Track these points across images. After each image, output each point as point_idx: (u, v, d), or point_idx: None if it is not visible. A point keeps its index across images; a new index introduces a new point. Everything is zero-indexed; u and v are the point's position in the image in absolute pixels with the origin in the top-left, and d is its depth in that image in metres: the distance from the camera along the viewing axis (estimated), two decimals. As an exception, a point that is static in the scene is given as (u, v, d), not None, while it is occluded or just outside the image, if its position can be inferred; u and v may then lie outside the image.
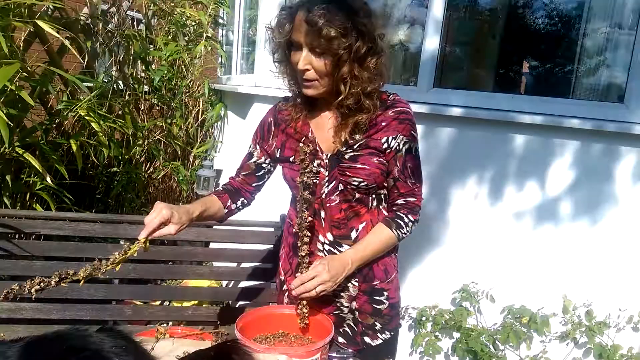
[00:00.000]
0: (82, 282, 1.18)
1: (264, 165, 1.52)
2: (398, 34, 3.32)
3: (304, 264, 1.35)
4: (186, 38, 3.92)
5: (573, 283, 2.49)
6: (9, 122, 2.14)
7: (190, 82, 4.04)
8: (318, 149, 1.41)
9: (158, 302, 2.43)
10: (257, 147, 1.52)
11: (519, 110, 2.51)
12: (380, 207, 1.44)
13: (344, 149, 1.37)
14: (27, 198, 2.60)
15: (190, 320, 2.04)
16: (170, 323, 2.18)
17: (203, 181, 3.71)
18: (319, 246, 1.44)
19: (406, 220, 1.41)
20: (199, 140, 4.18)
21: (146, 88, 3.77)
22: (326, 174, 1.39)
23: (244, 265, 2.20)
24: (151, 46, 3.85)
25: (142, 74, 3.77)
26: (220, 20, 4.30)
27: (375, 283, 1.46)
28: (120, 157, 3.32)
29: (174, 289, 2.38)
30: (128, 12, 3.73)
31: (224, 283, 2.88)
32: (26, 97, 2.22)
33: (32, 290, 1.14)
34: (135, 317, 2.03)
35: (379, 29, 1.31)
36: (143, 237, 1.21)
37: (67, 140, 2.70)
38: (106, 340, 0.83)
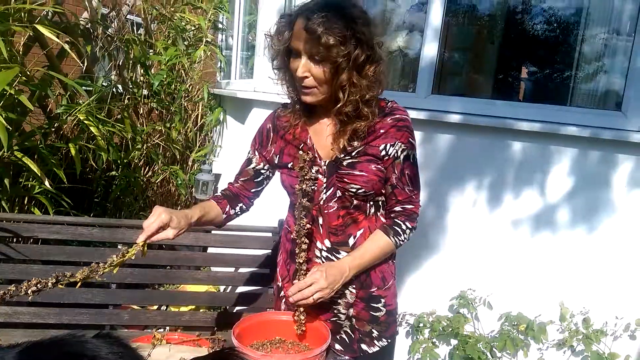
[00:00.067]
0: (78, 284, 1.18)
1: (262, 171, 1.53)
2: (397, 40, 3.33)
3: (302, 271, 1.35)
4: (186, 43, 3.93)
5: (570, 290, 2.49)
6: (8, 126, 2.14)
7: (189, 86, 4.05)
8: (316, 155, 1.41)
9: (155, 307, 2.43)
10: (256, 153, 1.53)
11: (517, 117, 2.52)
12: (378, 214, 1.45)
13: (342, 155, 1.37)
14: (26, 202, 2.60)
15: (187, 326, 2.04)
16: (167, 328, 2.19)
17: (202, 185, 3.71)
18: (317, 252, 1.44)
19: (404, 227, 1.41)
20: (197, 145, 4.19)
21: (145, 92, 3.78)
22: (324, 180, 1.40)
23: (242, 270, 2.20)
24: (151, 50, 3.86)
25: (142, 78, 3.77)
26: (220, 25, 4.31)
27: (372, 290, 1.46)
28: (119, 161, 3.32)
29: (171, 294, 2.38)
30: (128, 16, 3.74)
31: (222, 288, 2.88)
32: (25, 101, 2.23)
33: (29, 292, 1.14)
34: (133, 321, 2.03)
35: (378, 37, 1.32)
36: (141, 240, 1.21)
37: (66, 144, 2.70)
38: (103, 346, 0.83)
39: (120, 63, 3.52)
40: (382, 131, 1.37)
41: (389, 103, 1.41)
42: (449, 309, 2.69)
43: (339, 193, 1.39)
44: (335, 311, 1.47)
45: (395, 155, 1.37)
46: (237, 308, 2.18)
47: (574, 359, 2.50)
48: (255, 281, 2.10)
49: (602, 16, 3.25)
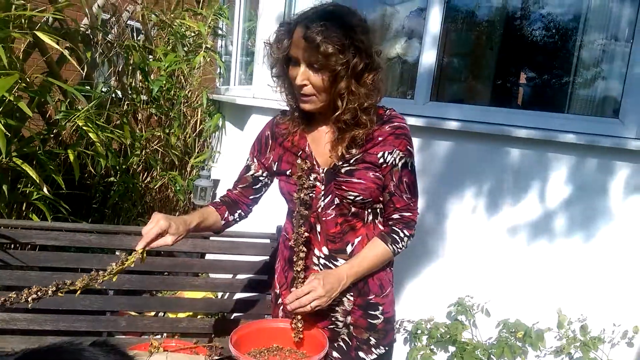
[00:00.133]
0: (78, 292, 1.18)
1: (261, 178, 1.53)
2: (395, 48, 3.35)
3: (299, 279, 1.35)
4: (185, 49, 3.94)
5: (568, 298, 2.49)
6: (7, 133, 2.14)
7: (188, 92, 4.06)
8: (315, 162, 1.42)
9: (153, 313, 2.42)
10: (255, 160, 1.53)
11: (515, 125, 2.53)
12: (376, 221, 1.45)
13: (341, 163, 1.38)
14: (24, 208, 2.60)
15: (184, 332, 2.04)
16: (165, 334, 2.18)
17: (200, 191, 3.70)
18: (315, 260, 1.44)
19: (402, 235, 1.41)
20: (196, 150, 4.19)
21: (144, 98, 3.78)
22: (322, 188, 1.40)
23: (240, 276, 2.20)
24: (150, 56, 3.87)
25: (141, 84, 3.78)
26: (220, 32, 4.32)
27: (370, 297, 1.46)
28: (117, 167, 3.32)
29: (168, 300, 2.38)
30: (128, 22, 3.75)
31: (219, 294, 2.87)
32: (24, 107, 2.23)
33: (29, 299, 1.14)
34: (130, 328, 2.02)
35: (376, 45, 1.33)
36: (140, 247, 1.22)
37: (65, 150, 2.71)
38: (100, 354, 0.83)
39: (120, 69, 3.53)
40: (380, 139, 1.37)
41: (388, 111, 1.42)
42: (447, 316, 2.69)
43: (337, 200, 1.39)
44: (332, 319, 1.47)
45: (394, 162, 1.38)
46: (235, 315, 2.17)
47: (572, 366, 2.50)
48: (253, 288, 2.10)
49: (600, 23, 3.26)
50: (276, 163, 1.48)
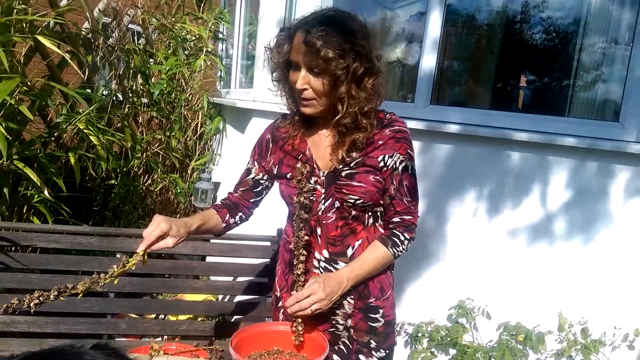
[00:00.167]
0: (80, 295, 1.18)
1: (261, 181, 1.54)
2: (395, 51, 3.36)
3: (300, 282, 1.36)
4: (186, 52, 3.95)
5: (569, 300, 2.49)
6: (8, 136, 2.15)
7: (189, 95, 4.07)
8: (315, 166, 1.42)
9: (153, 316, 2.43)
10: (255, 163, 1.54)
11: (515, 128, 2.54)
12: (377, 224, 1.45)
13: (341, 166, 1.38)
14: (25, 210, 2.61)
15: (185, 335, 2.04)
16: (165, 337, 2.18)
17: (201, 194, 3.71)
18: (315, 263, 1.44)
19: (402, 238, 1.41)
20: (197, 153, 4.20)
21: (145, 101, 3.79)
22: (323, 191, 1.41)
23: (240, 279, 2.20)
24: (151, 60, 3.88)
25: (142, 87, 3.79)
26: (220, 35, 4.33)
27: (370, 300, 1.46)
28: (118, 170, 3.33)
29: (169, 303, 2.38)
30: (129, 26, 3.77)
31: (220, 297, 2.87)
32: (25, 111, 2.24)
33: (32, 304, 1.15)
34: (130, 331, 2.03)
35: (376, 50, 1.33)
36: (141, 250, 1.22)
37: (66, 153, 2.71)
38: (101, 357, 0.83)
39: (121, 72, 3.54)
40: (380, 142, 1.38)
41: (388, 115, 1.42)
42: (448, 319, 2.69)
43: (337, 204, 1.39)
44: (333, 322, 1.47)
45: (394, 166, 1.38)
46: (235, 317, 2.18)
47: (572, 369, 2.50)
48: (254, 290, 2.10)
49: (600, 26, 3.26)
50: (277, 166, 1.49)
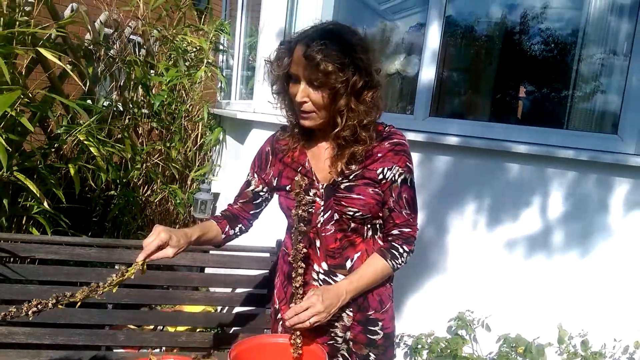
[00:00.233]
0: (78, 303, 1.18)
1: (261, 193, 1.54)
2: (395, 63, 3.38)
3: (298, 295, 1.35)
4: (187, 63, 3.97)
5: (569, 312, 2.48)
6: (8, 147, 2.15)
7: (189, 106, 4.08)
8: (314, 178, 1.42)
9: (152, 327, 2.42)
10: (255, 175, 1.54)
11: (514, 140, 2.55)
12: (376, 236, 1.45)
13: (340, 179, 1.39)
14: (24, 221, 2.60)
15: (183, 346, 2.03)
16: (164, 349, 2.17)
17: (200, 204, 3.71)
18: (314, 275, 1.44)
19: (401, 250, 1.42)
20: (197, 164, 4.20)
21: (146, 112, 3.81)
22: (322, 203, 1.41)
23: (239, 290, 2.19)
24: (152, 71, 3.90)
25: (142, 98, 3.81)
26: (221, 47, 4.36)
27: (369, 313, 1.46)
28: (118, 181, 3.33)
29: (167, 314, 2.37)
30: (131, 37, 3.79)
31: (219, 308, 2.86)
32: (26, 122, 2.25)
33: (30, 312, 1.14)
34: (129, 342, 2.01)
35: (376, 63, 1.34)
36: (141, 259, 1.22)
37: (66, 164, 2.72)
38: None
39: (122, 83, 3.56)
40: (379, 155, 1.38)
41: (387, 127, 1.43)
42: (448, 330, 2.68)
43: (336, 216, 1.40)
44: (332, 334, 1.46)
45: (393, 179, 1.38)
46: (234, 329, 2.17)
47: (573, 382, 2.48)
48: (253, 302, 2.09)
49: (598, 37, 3.28)
50: (276, 178, 1.49)
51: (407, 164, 1.40)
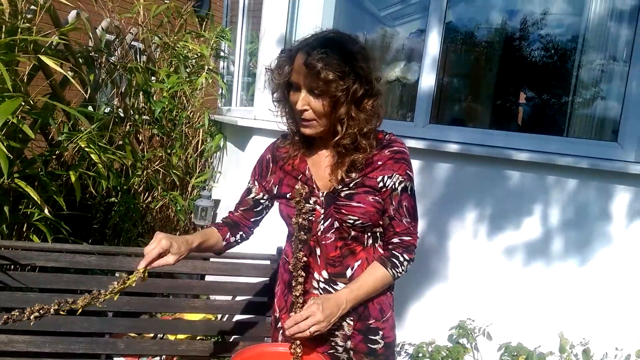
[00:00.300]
0: (79, 311, 1.18)
1: (262, 201, 1.54)
2: (395, 70, 3.38)
3: (298, 304, 1.35)
4: (188, 70, 3.98)
5: (570, 321, 2.47)
6: (9, 154, 2.15)
7: (190, 113, 4.09)
8: (314, 186, 1.42)
9: (152, 335, 2.41)
10: (256, 183, 1.55)
11: (515, 148, 2.55)
12: (376, 245, 1.45)
13: (340, 187, 1.39)
14: (24, 229, 2.60)
15: (183, 355, 2.02)
16: (164, 357, 2.16)
17: (201, 211, 3.71)
18: (314, 284, 1.44)
19: (401, 259, 1.41)
20: (197, 171, 4.20)
21: (147, 118, 3.81)
22: (322, 211, 1.41)
23: (239, 298, 2.19)
24: (153, 78, 3.91)
25: (143, 105, 3.81)
26: (222, 53, 4.37)
27: (370, 322, 1.45)
28: (118, 187, 3.33)
29: (167, 322, 2.36)
30: (132, 44, 3.80)
31: (219, 316, 2.85)
32: (27, 130, 2.25)
33: (32, 317, 1.15)
34: (129, 350, 2.01)
35: (376, 71, 1.35)
36: (142, 267, 1.22)
37: (67, 171, 2.72)
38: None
39: (123, 90, 3.56)
40: (379, 163, 1.38)
41: (387, 135, 1.43)
42: (449, 339, 2.67)
43: (336, 224, 1.39)
44: (332, 343, 1.46)
45: (393, 187, 1.38)
46: (234, 337, 2.16)
47: (574, 391, 2.47)
48: (253, 310, 2.09)
49: (598, 43, 3.29)
50: (277, 186, 1.49)
51: (408, 172, 1.40)
